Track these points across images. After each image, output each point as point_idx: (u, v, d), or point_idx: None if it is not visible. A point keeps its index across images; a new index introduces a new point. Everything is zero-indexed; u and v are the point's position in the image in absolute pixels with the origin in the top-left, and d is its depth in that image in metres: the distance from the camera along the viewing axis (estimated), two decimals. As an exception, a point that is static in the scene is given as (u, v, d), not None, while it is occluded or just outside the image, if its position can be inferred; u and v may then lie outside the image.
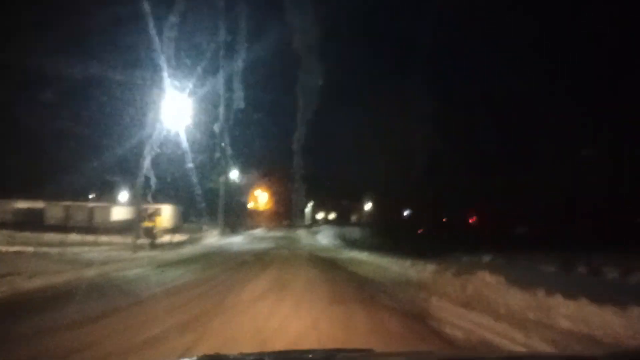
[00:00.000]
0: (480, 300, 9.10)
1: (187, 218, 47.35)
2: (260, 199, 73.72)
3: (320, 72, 45.91)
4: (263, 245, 35.09)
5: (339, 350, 3.25)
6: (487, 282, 9.68)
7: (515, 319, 7.83)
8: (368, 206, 64.62)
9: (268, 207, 75.72)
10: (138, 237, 25.03)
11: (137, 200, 28.98)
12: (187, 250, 26.96)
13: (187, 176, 41.74)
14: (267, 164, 62.69)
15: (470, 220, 53.03)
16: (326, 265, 19.40)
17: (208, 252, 26.31)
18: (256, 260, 20.77)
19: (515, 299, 8.51)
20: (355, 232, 45.00)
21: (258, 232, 57.91)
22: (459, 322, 7.91)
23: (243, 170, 51.60)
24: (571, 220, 35.26)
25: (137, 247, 23.77)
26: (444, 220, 50.67)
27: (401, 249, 30.82)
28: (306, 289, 11.35)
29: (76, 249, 22.65)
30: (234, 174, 47.40)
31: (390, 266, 17.22)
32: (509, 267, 15.08)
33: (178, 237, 33.85)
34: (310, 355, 3.24)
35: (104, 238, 30.42)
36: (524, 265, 16.74)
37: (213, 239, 40.04)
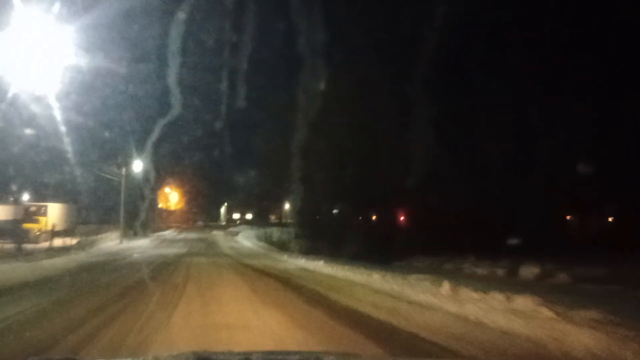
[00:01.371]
0: None
1: (88, 219, 37.55)
2: (171, 197, 64.90)
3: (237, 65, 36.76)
4: (173, 250, 26.13)
5: (326, 353, 2.96)
6: None
7: None
8: (288, 206, 56.74)
9: (180, 206, 67.46)
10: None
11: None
12: (64, 261, 18.20)
13: (83, 168, 32.44)
14: (179, 160, 53.49)
15: (400, 219, 46.88)
16: (282, 289, 10.93)
17: (94, 263, 17.75)
18: (160, 280, 12.08)
19: None
20: (284, 233, 36.82)
21: (168, 233, 49.59)
22: None
23: (150, 164, 41.51)
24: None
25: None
26: (374, 218, 44.10)
27: (345, 252, 24.11)
28: None
29: None
30: (137, 166, 37.30)
31: (403, 290, 9.21)
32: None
33: (66, 241, 25.06)
34: (298, 356, 2.94)
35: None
36: (616, 291, 9.60)
37: (111, 242, 30.88)
